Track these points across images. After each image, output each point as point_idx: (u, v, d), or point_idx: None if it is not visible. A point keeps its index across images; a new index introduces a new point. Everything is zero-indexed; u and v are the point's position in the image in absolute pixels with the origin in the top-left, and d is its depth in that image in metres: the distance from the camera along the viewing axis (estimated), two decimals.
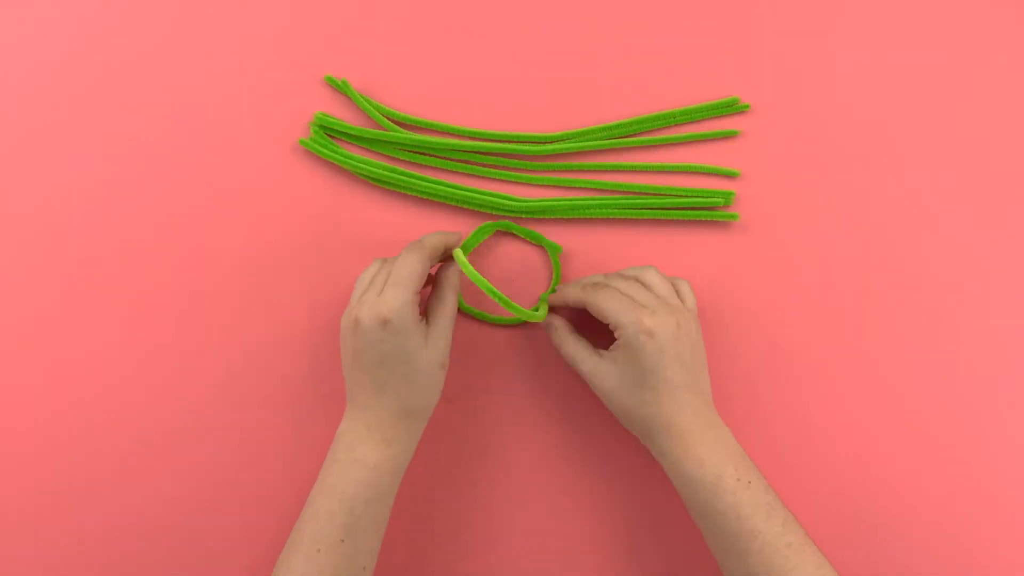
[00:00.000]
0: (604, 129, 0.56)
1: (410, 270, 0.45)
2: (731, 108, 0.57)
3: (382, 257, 0.51)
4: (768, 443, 0.53)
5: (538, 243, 0.55)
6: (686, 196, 0.55)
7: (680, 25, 0.58)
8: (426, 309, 0.48)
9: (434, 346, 0.46)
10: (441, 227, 0.55)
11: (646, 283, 0.49)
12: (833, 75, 0.58)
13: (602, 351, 0.48)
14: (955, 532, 0.53)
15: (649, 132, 0.57)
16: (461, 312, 0.54)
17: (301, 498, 0.47)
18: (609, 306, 0.47)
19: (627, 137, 0.57)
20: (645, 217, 0.56)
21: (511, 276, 0.55)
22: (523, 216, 0.55)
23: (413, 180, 0.55)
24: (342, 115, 0.57)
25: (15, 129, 0.56)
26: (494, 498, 0.53)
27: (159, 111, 0.56)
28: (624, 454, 0.53)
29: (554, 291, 0.53)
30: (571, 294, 0.50)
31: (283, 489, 0.53)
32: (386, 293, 0.45)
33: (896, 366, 0.54)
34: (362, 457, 0.45)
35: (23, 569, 0.51)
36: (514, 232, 0.55)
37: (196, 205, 0.55)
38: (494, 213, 0.55)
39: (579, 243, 0.55)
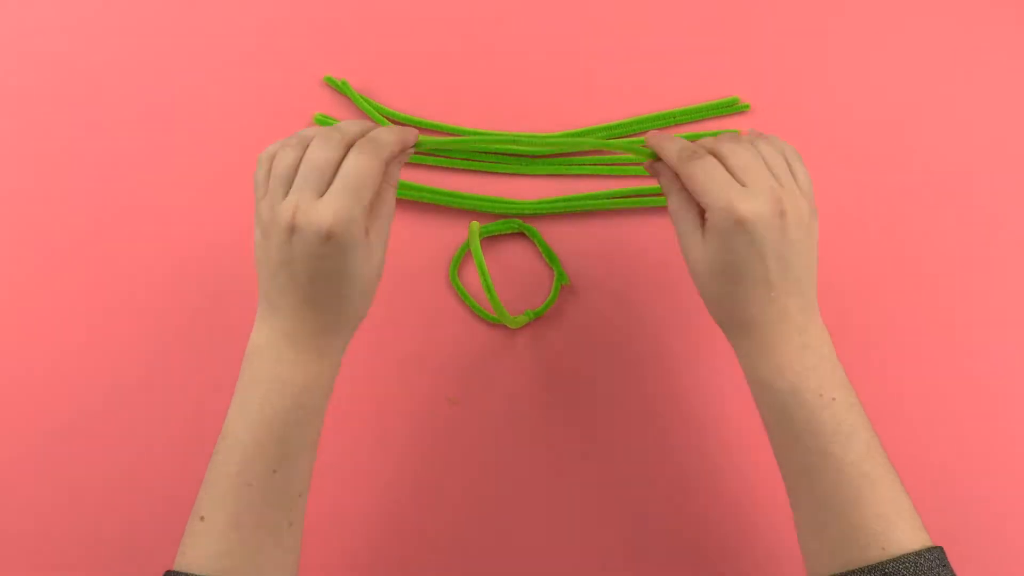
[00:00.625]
0: (604, 129, 0.56)
1: (364, 176, 0.38)
2: (731, 108, 0.57)
3: (284, 139, 0.42)
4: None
5: (550, 263, 0.54)
6: None
7: (680, 25, 0.58)
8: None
9: (375, 256, 0.40)
10: (439, 229, 0.55)
11: (761, 152, 0.41)
12: (833, 75, 0.58)
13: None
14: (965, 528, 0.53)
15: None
16: (455, 296, 0.54)
17: None
18: (702, 182, 0.40)
19: (627, 137, 0.57)
20: (649, 205, 0.56)
21: (512, 276, 0.55)
22: (524, 216, 0.55)
23: (411, 188, 0.55)
24: (342, 116, 0.57)
25: (13, 129, 0.56)
26: (497, 500, 0.52)
27: (158, 111, 0.56)
28: (629, 458, 0.53)
29: (540, 313, 0.52)
30: (668, 154, 0.42)
31: None
32: (332, 199, 0.37)
33: (899, 363, 0.54)
34: (289, 379, 0.39)
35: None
36: (532, 239, 0.55)
37: (194, 206, 0.55)
38: (492, 214, 0.55)
39: (580, 241, 0.55)
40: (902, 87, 0.58)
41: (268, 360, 0.40)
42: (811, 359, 0.40)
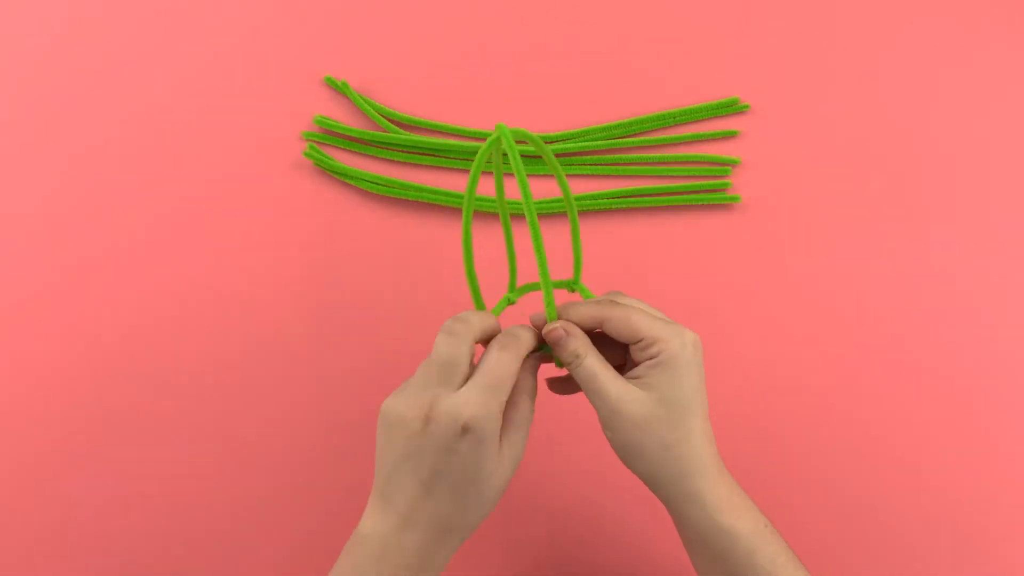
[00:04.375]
0: (604, 129, 0.56)
1: (504, 371, 0.37)
2: (731, 108, 0.57)
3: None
4: (771, 433, 0.53)
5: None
6: (690, 164, 0.56)
7: (680, 25, 0.58)
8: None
9: (504, 466, 0.38)
10: (440, 229, 0.55)
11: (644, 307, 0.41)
12: (833, 75, 0.58)
13: (627, 375, 0.40)
14: (964, 528, 0.53)
15: (649, 132, 0.57)
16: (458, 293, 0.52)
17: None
18: (642, 319, 0.38)
19: (627, 137, 0.57)
20: (649, 205, 0.56)
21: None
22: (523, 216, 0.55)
23: (411, 188, 0.55)
24: (342, 116, 0.57)
25: (11, 131, 0.56)
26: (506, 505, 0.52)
27: (157, 112, 0.56)
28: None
29: (512, 301, 0.45)
30: (583, 311, 0.40)
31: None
32: (471, 393, 0.36)
33: (900, 354, 0.54)
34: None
35: None
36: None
37: (193, 208, 0.55)
38: (492, 212, 0.55)
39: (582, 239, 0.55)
40: (903, 87, 0.58)
41: (372, 556, 0.37)
42: (744, 495, 0.39)
